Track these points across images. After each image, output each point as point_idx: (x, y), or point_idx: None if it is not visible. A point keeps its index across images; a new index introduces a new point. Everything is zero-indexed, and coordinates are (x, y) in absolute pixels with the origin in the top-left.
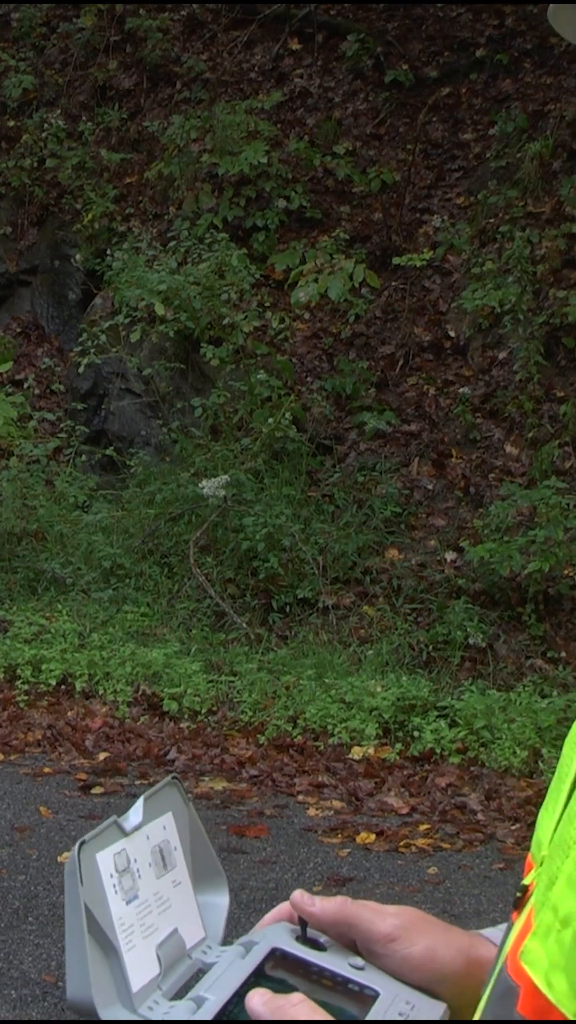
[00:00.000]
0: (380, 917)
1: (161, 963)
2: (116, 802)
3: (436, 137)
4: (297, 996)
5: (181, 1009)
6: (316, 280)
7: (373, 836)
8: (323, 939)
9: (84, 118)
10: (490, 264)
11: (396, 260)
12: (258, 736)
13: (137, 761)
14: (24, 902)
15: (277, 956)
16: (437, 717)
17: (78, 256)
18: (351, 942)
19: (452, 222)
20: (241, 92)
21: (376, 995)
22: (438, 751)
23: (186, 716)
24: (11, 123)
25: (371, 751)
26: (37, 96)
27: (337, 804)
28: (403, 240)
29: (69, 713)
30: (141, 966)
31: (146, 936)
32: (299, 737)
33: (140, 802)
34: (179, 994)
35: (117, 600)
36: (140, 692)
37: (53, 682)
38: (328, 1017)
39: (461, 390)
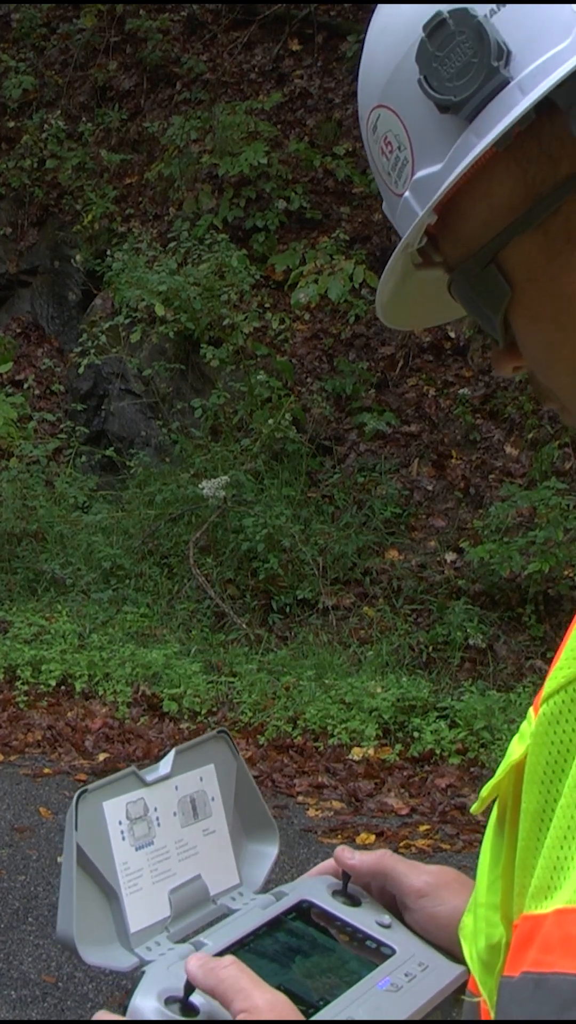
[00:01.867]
0: (415, 872)
1: (172, 906)
2: None
3: None
4: (228, 959)
5: (178, 951)
6: (316, 281)
7: (373, 837)
8: (360, 896)
9: (84, 119)
10: None
11: None
12: (258, 737)
13: (137, 762)
14: (24, 903)
15: (304, 907)
16: (437, 718)
17: (78, 257)
18: (392, 899)
19: None
20: (241, 93)
21: (392, 953)
22: (438, 752)
23: (186, 717)
24: (11, 124)
25: (371, 752)
26: (37, 97)
27: (337, 805)
28: None
29: (69, 714)
30: (145, 908)
31: (158, 880)
32: (299, 738)
33: (171, 755)
34: (191, 936)
35: (117, 601)
36: (140, 693)
37: (53, 683)
38: (258, 979)
39: (461, 391)
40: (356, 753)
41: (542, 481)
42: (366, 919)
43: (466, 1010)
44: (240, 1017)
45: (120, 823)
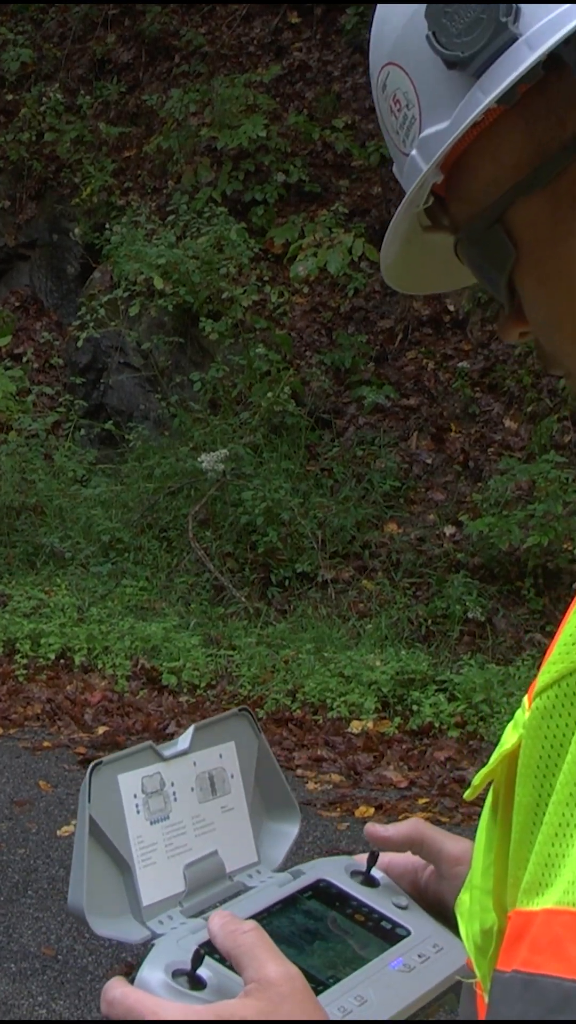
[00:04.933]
0: (452, 840)
1: (187, 881)
2: None
3: None
4: (250, 923)
5: (189, 926)
6: (315, 254)
7: (372, 810)
8: (379, 877)
9: (82, 92)
10: None
11: None
12: (257, 710)
13: (136, 735)
14: (23, 876)
15: (320, 887)
16: (436, 691)
17: (77, 230)
18: (412, 878)
19: None
20: (240, 65)
21: (407, 934)
22: (437, 725)
23: (185, 690)
24: (9, 97)
25: (370, 725)
26: (35, 70)
27: (336, 778)
28: None
29: (68, 687)
30: (159, 882)
31: (172, 855)
32: (298, 711)
33: (190, 731)
34: (205, 912)
35: (116, 574)
36: (139, 666)
37: (52, 656)
38: (274, 949)
39: (460, 364)
40: (355, 726)
41: (541, 454)
42: (383, 900)
43: (464, 991)
44: (250, 987)
45: (135, 796)
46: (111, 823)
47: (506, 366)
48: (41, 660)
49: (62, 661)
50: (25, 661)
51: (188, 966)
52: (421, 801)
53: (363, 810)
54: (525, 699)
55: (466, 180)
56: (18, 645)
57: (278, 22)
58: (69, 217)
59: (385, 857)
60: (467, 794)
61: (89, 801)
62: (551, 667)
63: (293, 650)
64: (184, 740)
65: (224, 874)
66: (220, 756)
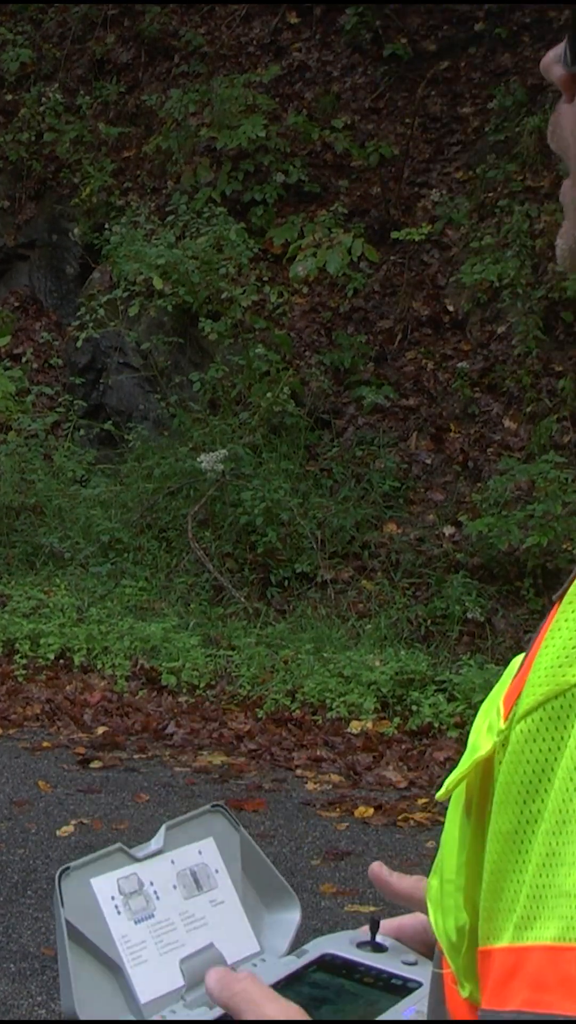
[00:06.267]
0: None
1: (185, 976)
2: (114, 776)
3: (435, 111)
4: (245, 973)
5: (197, 1012)
6: (315, 254)
7: (371, 810)
8: (387, 943)
9: (82, 92)
10: (489, 238)
11: (395, 234)
12: (256, 710)
13: (136, 735)
14: (23, 876)
15: (326, 961)
16: (435, 691)
17: (76, 230)
18: (423, 938)
19: (451, 196)
20: (239, 66)
21: (418, 986)
22: (436, 725)
23: (184, 690)
24: (9, 97)
25: (369, 725)
26: (35, 70)
27: (335, 778)
28: (402, 214)
29: (68, 687)
30: (155, 980)
31: (165, 952)
32: (297, 711)
33: (161, 831)
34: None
35: (115, 574)
36: (138, 666)
37: (51, 656)
38: (272, 993)
39: (459, 364)
40: (355, 726)
41: (540, 454)
42: (391, 961)
43: (433, 980)
44: None
45: (113, 898)
46: (91, 926)
47: (505, 366)
48: (40, 660)
49: (61, 661)
50: (24, 661)
51: None
52: (420, 801)
53: (362, 810)
54: (500, 703)
55: None
56: (17, 645)
57: (277, 22)
58: (68, 217)
59: (394, 922)
60: (439, 794)
61: (63, 906)
62: (535, 689)
63: (292, 650)
64: (157, 840)
65: (225, 965)
66: (200, 852)
